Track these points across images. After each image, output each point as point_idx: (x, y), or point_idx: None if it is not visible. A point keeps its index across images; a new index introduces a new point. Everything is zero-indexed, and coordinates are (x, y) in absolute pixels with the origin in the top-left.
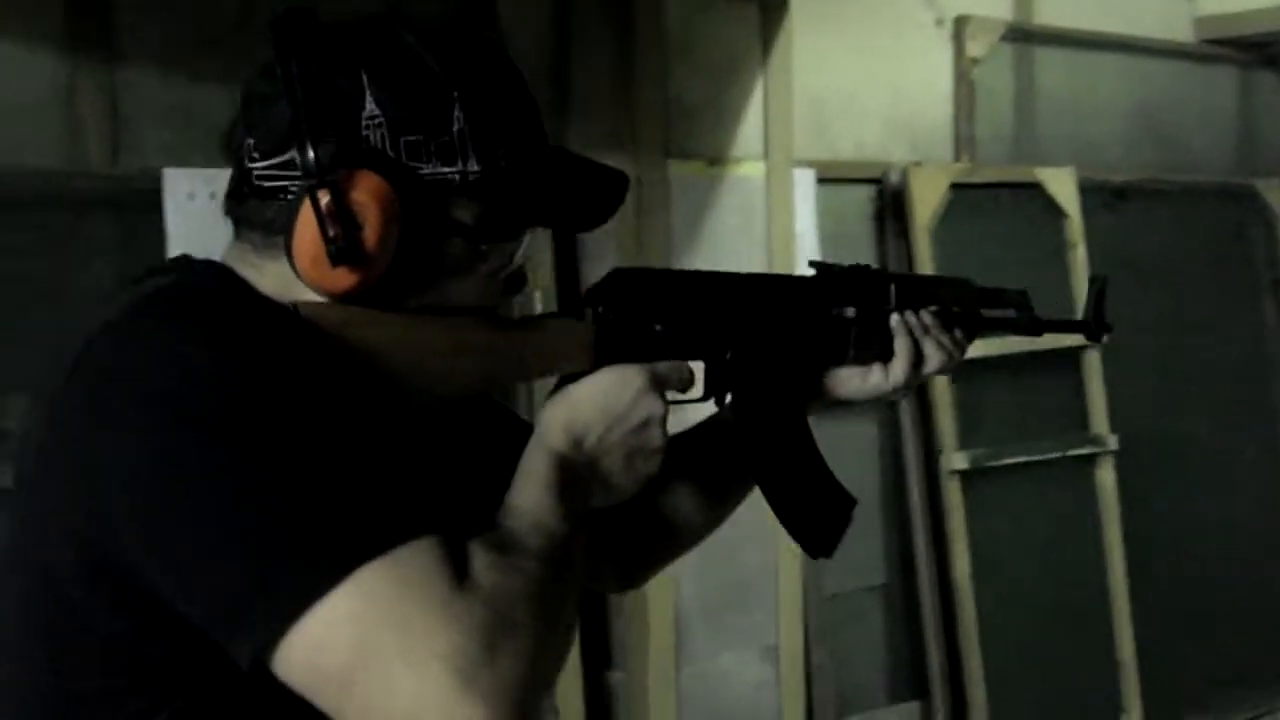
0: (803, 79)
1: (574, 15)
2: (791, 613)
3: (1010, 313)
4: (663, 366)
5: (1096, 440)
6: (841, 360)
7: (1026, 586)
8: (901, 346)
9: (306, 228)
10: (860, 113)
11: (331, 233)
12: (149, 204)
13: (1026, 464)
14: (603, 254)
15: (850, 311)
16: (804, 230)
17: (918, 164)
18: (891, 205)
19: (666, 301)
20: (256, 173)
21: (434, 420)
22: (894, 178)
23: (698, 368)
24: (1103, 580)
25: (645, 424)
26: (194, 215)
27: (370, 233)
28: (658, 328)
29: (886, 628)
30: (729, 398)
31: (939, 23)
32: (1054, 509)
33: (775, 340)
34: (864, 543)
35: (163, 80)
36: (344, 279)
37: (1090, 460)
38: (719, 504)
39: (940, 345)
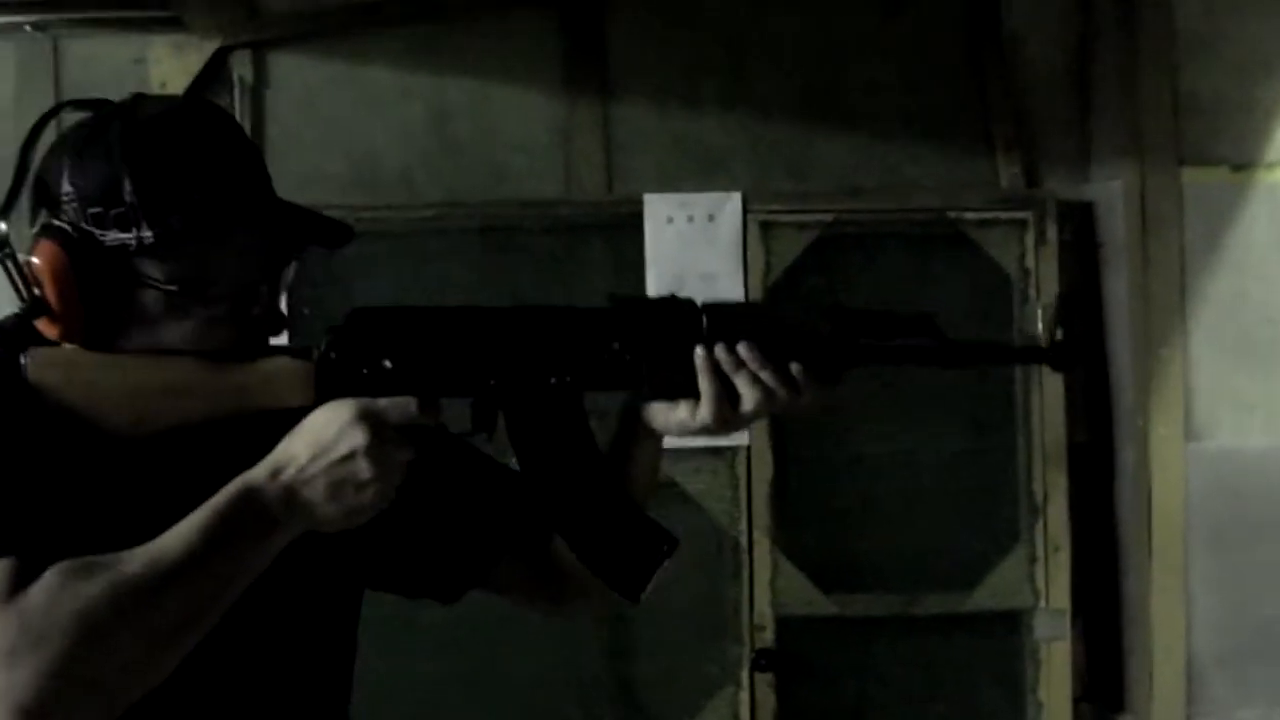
0: None
1: (1093, 21)
2: None
3: (921, 341)
4: (382, 402)
5: None
6: (642, 396)
7: None
8: (704, 384)
9: None
10: None
11: (24, 293)
12: (635, 227)
13: None
14: (1119, 267)
15: (616, 345)
16: None
17: None
18: None
19: (402, 339)
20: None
21: (195, 452)
22: None
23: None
24: None
25: (349, 456)
26: (670, 238)
27: (48, 291)
28: (387, 364)
29: None
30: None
31: None
32: None
33: (542, 374)
34: None
35: (655, 111)
36: (50, 329)
37: None
38: None
39: (756, 382)
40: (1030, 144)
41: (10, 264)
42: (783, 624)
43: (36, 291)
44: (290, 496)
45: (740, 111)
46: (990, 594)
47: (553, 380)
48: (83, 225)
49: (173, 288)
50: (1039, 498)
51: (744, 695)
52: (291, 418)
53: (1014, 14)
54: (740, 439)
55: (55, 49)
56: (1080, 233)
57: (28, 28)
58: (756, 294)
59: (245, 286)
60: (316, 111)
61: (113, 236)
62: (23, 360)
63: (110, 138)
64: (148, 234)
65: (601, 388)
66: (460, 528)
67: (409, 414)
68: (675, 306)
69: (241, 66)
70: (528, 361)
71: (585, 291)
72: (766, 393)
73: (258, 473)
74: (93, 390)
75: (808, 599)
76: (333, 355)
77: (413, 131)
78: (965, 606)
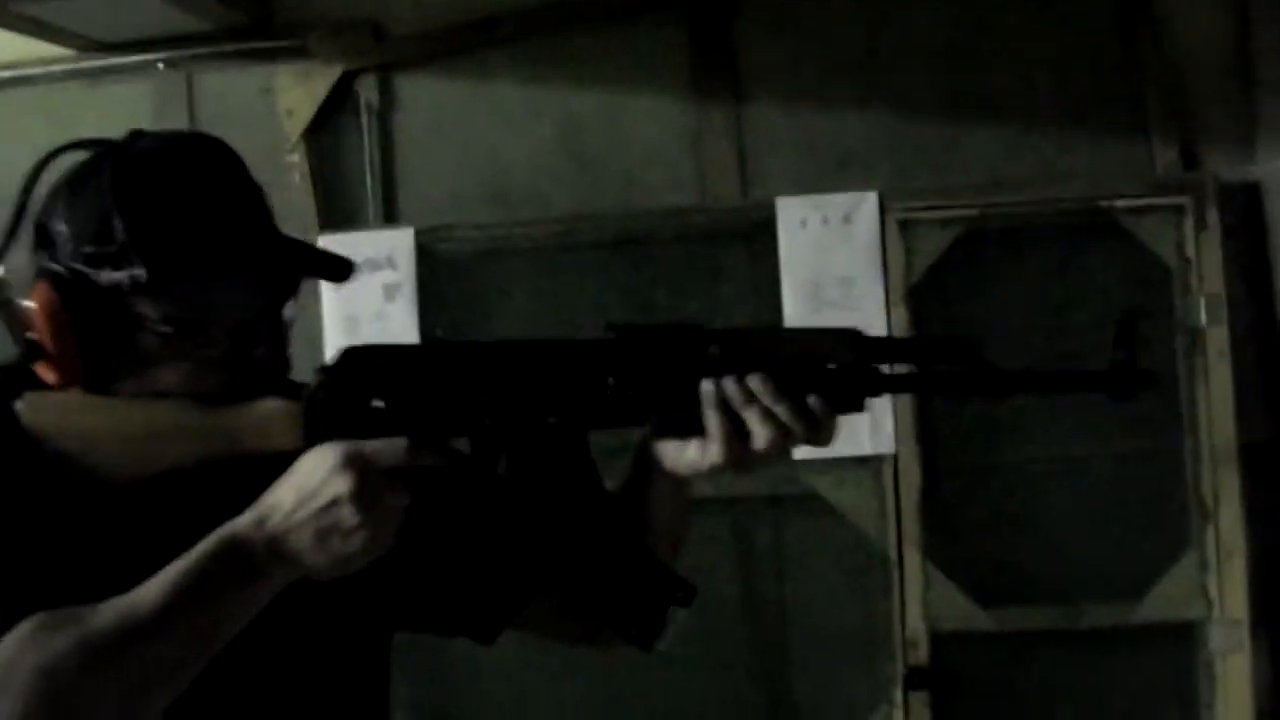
0: None
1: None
2: None
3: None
4: (370, 444)
5: None
6: (652, 432)
7: None
8: (711, 420)
9: None
10: None
11: (17, 336)
12: (771, 232)
13: None
14: None
15: (615, 379)
16: None
17: None
18: None
19: (394, 378)
20: None
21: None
22: None
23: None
24: None
25: (335, 502)
26: (805, 242)
27: (42, 334)
28: (377, 404)
29: None
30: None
31: None
32: None
33: (539, 413)
34: None
35: (788, 112)
36: (48, 373)
37: None
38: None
39: (770, 418)
40: (1188, 124)
41: (4, 308)
42: (937, 640)
43: (33, 336)
44: (275, 545)
45: (877, 108)
46: (1159, 604)
47: (551, 419)
48: (77, 266)
49: (167, 328)
50: (1209, 501)
51: (898, 715)
52: (285, 461)
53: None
54: (885, 446)
55: (189, 84)
56: (1247, 217)
57: (160, 65)
58: (898, 296)
59: (242, 326)
60: (445, 131)
61: (106, 276)
62: (16, 405)
63: (102, 176)
64: (140, 272)
65: (604, 425)
66: (489, 564)
67: (399, 456)
68: (680, 334)
69: (368, 90)
70: (524, 399)
71: (722, 301)
72: (781, 429)
73: (242, 521)
74: (85, 435)
75: (963, 613)
76: (321, 395)
77: (543, 146)
78: (1133, 618)
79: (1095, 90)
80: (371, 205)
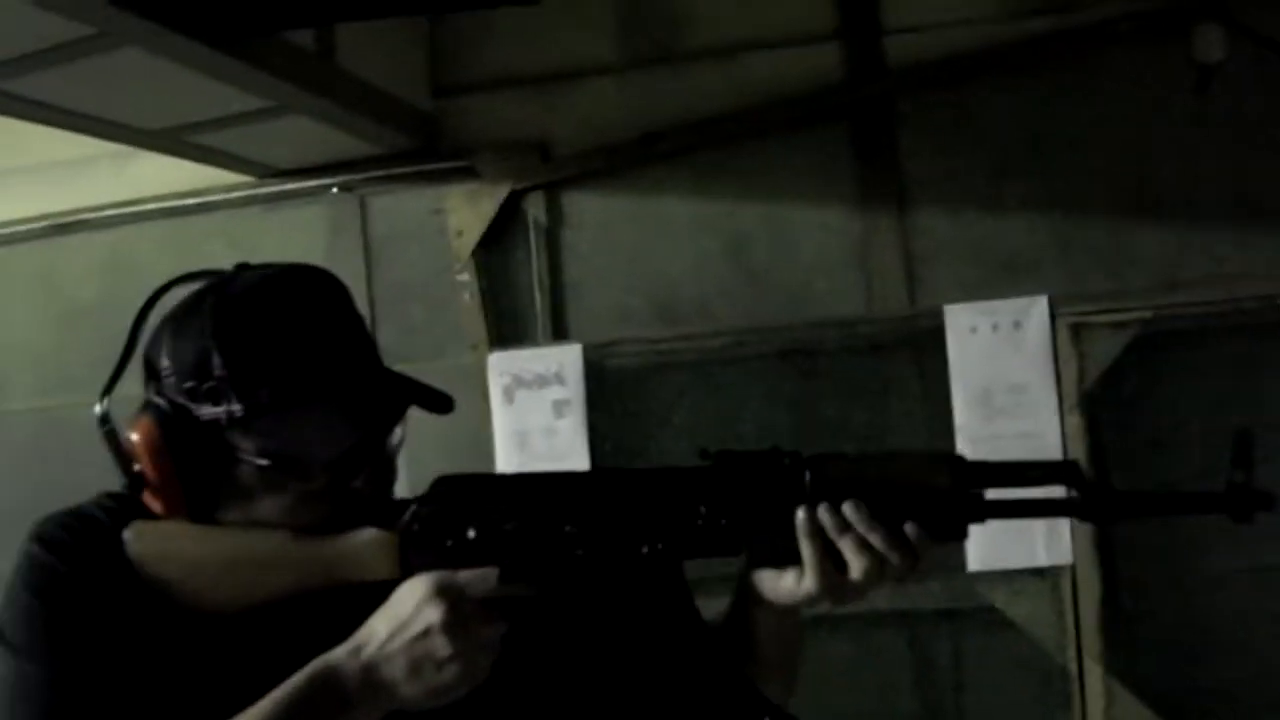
0: None
1: None
2: None
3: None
4: (463, 575)
5: None
6: (748, 562)
7: None
8: (806, 550)
9: None
10: None
11: (124, 468)
12: (939, 340)
13: None
14: None
15: (709, 508)
16: None
17: None
18: None
19: (486, 508)
20: None
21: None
22: None
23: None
24: None
25: (425, 633)
26: (975, 349)
27: (144, 466)
28: (470, 534)
29: None
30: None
31: None
32: None
33: (632, 543)
34: None
35: (953, 218)
36: (154, 502)
37: None
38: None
39: (865, 547)
40: None
41: (110, 440)
42: None
43: (136, 467)
44: (369, 675)
45: (1044, 210)
46: None
47: (644, 549)
48: (179, 400)
49: (264, 462)
50: None
51: None
52: (383, 590)
53: None
54: (1063, 557)
55: (362, 206)
56: None
57: (334, 189)
58: (1071, 403)
59: (339, 460)
60: (612, 246)
61: (206, 411)
62: (125, 534)
63: (203, 312)
64: (237, 408)
65: (698, 555)
66: (614, 693)
67: (490, 587)
68: (774, 462)
69: (535, 208)
70: (617, 530)
71: (892, 411)
72: (876, 558)
73: (338, 651)
74: (186, 563)
75: None
76: (415, 527)
77: (709, 259)
78: None
79: (1271, 184)
80: (540, 322)
